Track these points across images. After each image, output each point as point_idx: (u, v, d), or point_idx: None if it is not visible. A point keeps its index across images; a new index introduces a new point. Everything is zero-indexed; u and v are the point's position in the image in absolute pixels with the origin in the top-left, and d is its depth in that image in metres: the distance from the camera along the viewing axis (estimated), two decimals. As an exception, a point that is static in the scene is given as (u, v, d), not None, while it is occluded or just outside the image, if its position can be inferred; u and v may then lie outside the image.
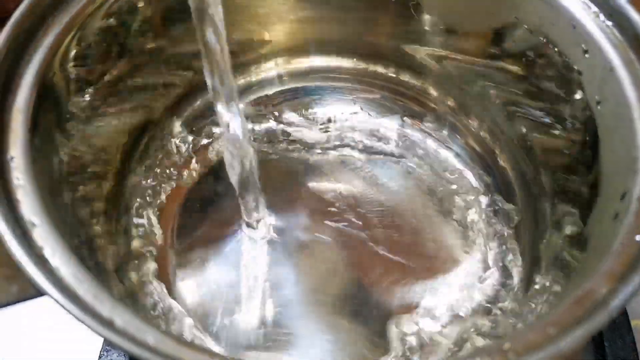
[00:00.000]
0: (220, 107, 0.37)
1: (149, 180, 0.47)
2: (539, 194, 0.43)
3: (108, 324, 0.25)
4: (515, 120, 0.46)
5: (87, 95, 0.40)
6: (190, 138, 0.50)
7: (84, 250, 0.35)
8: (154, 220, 0.46)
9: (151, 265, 0.43)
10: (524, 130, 0.45)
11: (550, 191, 0.42)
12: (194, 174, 0.49)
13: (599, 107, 0.37)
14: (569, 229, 0.38)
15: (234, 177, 0.41)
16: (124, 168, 0.45)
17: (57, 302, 0.26)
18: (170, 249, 0.45)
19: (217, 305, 0.42)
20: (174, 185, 0.48)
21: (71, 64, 0.37)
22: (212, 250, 0.45)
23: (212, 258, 0.45)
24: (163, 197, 0.47)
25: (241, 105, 0.39)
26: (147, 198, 0.47)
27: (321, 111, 0.53)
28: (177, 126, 0.50)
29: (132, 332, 0.25)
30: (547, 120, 0.42)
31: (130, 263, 0.43)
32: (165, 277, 0.44)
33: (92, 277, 0.28)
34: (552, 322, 0.26)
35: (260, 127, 0.52)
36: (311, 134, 0.52)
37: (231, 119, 0.37)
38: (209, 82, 0.36)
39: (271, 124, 0.52)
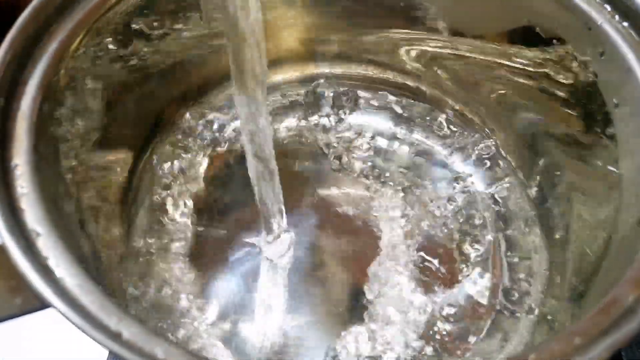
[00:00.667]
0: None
1: (158, 192, 0.46)
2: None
3: (115, 336, 0.24)
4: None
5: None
6: (204, 141, 0.49)
7: (89, 260, 0.34)
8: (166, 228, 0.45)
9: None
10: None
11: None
12: (205, 183, 0.48)
13: (616, 110, 0.36)
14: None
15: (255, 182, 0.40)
16: (131, 178, 0.45)
17: (63, 313, 0.25)
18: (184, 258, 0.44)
19: (229, 313, 0.41)
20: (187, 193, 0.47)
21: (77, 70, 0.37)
22: (225, 263, 0.44)
23: (226, 269, 0.44)
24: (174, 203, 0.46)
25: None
26: (156, 212, 0.46)
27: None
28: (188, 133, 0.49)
29: (140, 344, 0.24)
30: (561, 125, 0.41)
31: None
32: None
33: (98, 287, 0.27)
34: (578, 332, 0.25)
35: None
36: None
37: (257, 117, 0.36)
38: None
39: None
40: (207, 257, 0.44)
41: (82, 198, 0.37)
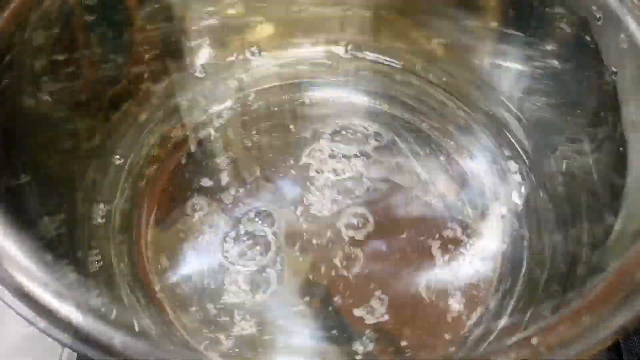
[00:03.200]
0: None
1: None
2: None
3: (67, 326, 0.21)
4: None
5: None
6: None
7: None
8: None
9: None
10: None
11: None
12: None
13: (614, 77, 0.34)
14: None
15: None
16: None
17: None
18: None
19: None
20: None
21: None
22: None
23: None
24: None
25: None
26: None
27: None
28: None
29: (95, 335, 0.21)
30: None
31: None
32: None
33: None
34: (586, 310, 0.23)
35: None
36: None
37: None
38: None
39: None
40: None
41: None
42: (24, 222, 0.28)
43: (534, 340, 0.22)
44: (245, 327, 0.37)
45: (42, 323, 0.21)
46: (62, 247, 0.34)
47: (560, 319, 0.22)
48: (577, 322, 0.22)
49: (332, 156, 0.46)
